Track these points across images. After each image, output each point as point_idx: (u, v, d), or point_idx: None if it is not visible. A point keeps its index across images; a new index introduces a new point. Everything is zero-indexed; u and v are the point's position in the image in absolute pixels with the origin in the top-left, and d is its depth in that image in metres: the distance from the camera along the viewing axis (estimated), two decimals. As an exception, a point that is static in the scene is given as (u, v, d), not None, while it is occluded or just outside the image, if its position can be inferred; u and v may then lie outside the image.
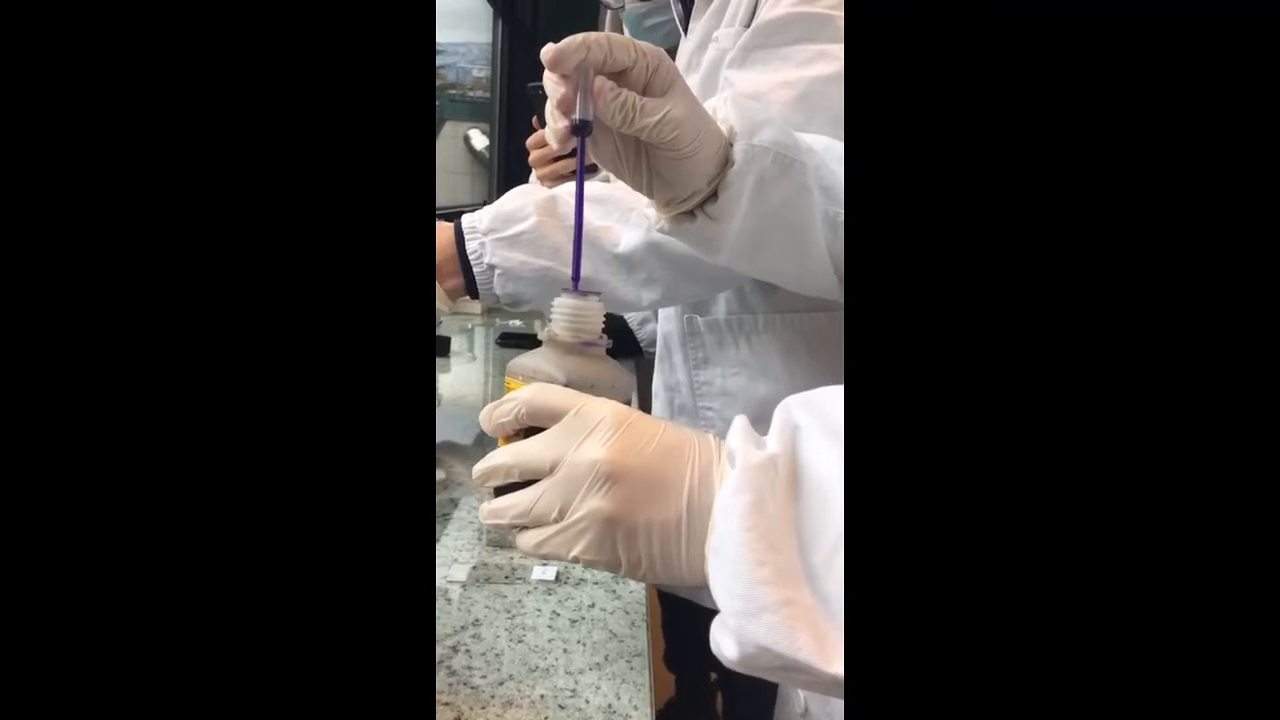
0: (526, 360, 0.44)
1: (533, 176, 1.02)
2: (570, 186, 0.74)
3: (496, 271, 0.70)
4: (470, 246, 0.70)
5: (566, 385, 0.40)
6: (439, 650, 0.50)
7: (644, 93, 0.45)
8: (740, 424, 0.36)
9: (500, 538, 0.64)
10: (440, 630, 0.52)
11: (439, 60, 3.04)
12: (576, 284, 0.46)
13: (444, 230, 0.72)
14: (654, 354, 0.95)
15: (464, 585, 0.57)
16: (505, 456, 0.38)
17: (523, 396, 0.38)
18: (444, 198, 2.64)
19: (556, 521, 0.36)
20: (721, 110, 0.51)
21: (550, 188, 0.76)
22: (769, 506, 0.32)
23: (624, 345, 1.17)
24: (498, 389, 1.08)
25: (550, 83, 0.43)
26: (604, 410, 0.37)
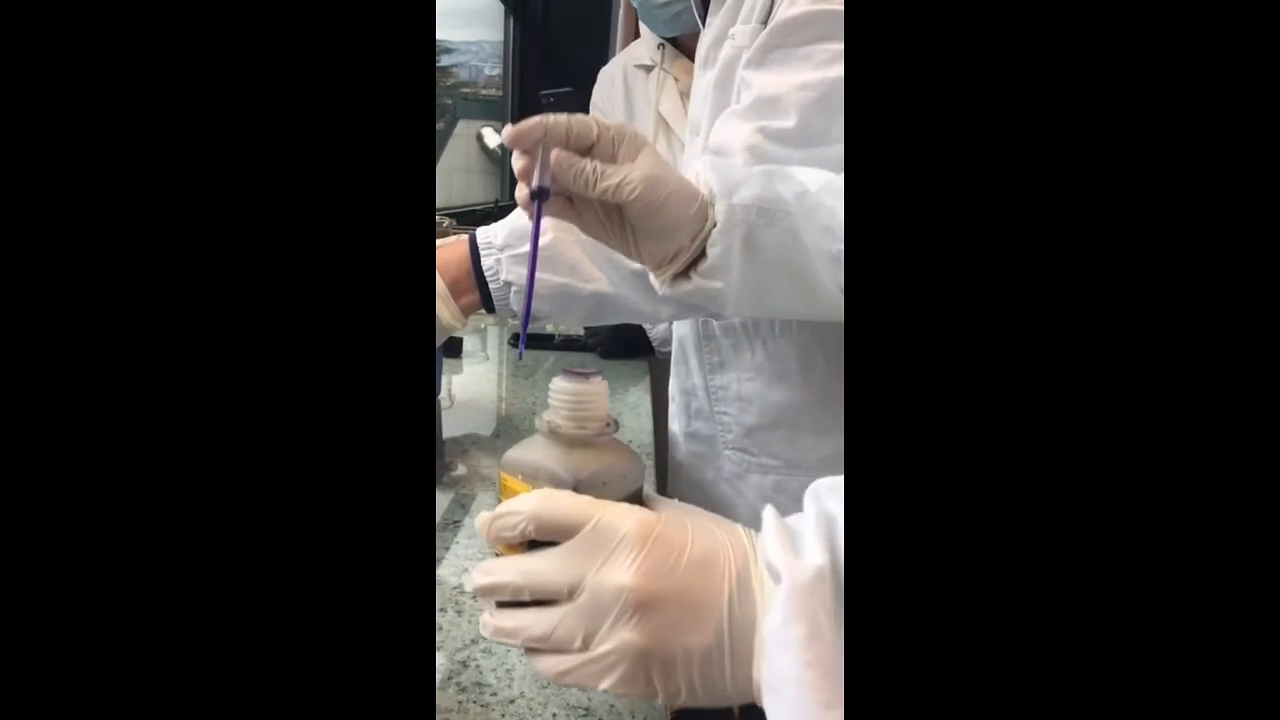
0: (524, 456, 0.40)
1: None
2: None
3: (513, 289, 0.69)
4: (486, 263, 0.69)
5: (575, 488, 0.37)
6: (448, 665, 0.48)
7: (615, 162, 0.48)
8: (772, 522, 0.33)
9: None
10: (450, 644, 0.50)
11: (451, 59, 3.04)
12: (522, 347, 0.50)
13: (459, 246, 0.70)
14: (666, 354, 0.94)
15: (474, 596, 0.56)
16: (512, 575, 0.34)
17: (528, 510, 0.34)
18: (457, 196, 2.63)
19: (581, 650, 0.32)
20: (703, 174, 0.54)
21: None
22: (825, 633, 0.29)
23: (636, 345, 1.16)
24: (510, 390, 1.07)
25: (514, 157, 0.48)
26: (625, 523, 0.33)
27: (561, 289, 0.69)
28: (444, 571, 0.58)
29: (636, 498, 0.40)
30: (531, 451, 0.40)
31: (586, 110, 0.99)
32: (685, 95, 1.19)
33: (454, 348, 1.09)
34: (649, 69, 1.21)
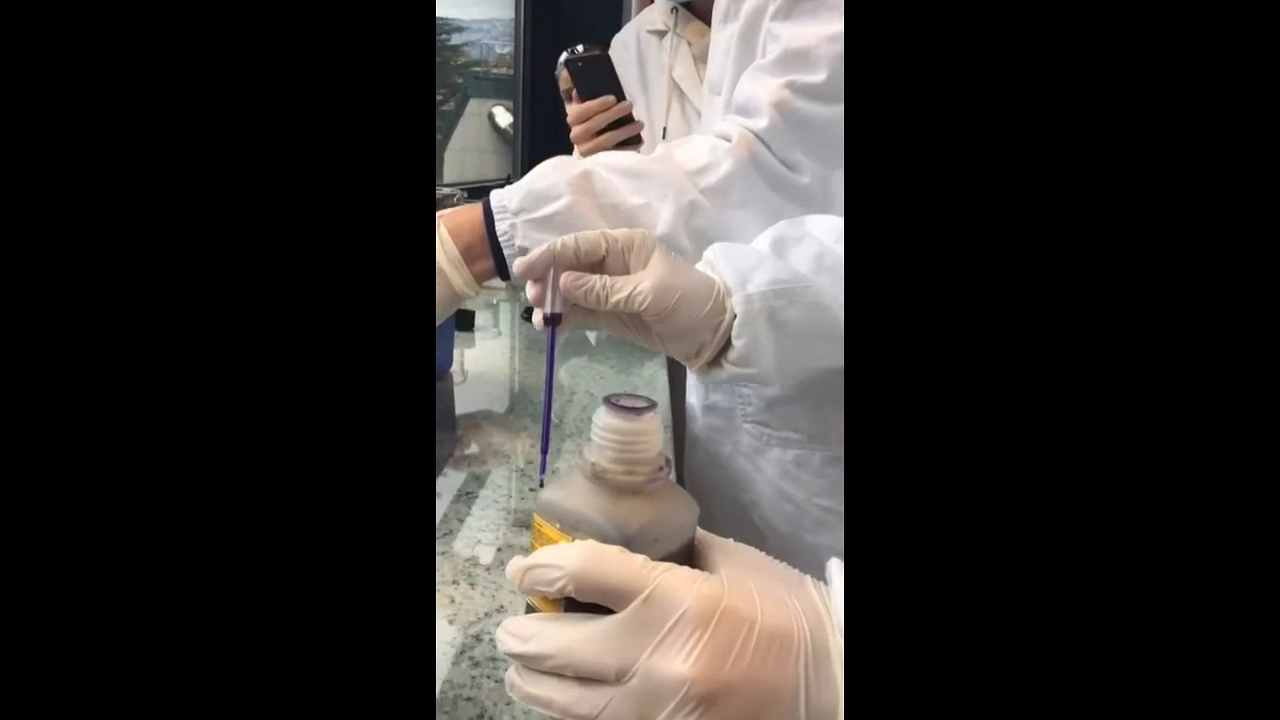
0: (564, 501, 0.35)
1: (575, 151, 0.98)
2: (605, 157, 0.70)
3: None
4: (500, 228, 0.66)
5: (624, 544, 0.32)
6: (460, 638, 0.46)
7: (627, 270, 0.50)
8: (842, 580, 0.30)
9: (526, 518, 0.60)
10: (464, 617, 0.49)
11: (462, 38, 3.00)
12: (543, 473, 0.47)
13: (472, 210, 0.68)
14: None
15: (489, 568, 0.54)
16: (551, 648, 0.29)
17: (570, 567, 0.30)
18: (470, 176, 2.60)
19: None
20: (715, 264, 0.54)
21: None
22: None
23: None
24: (524, 365, 1.05)
25: (527, 286, 0.50)
26: (683, 596, 0.28)
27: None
28: (458, 545, 0.56)
29: (690, 546, 0.36)
30: (572, 496, 0.35)
31: (613, 72, 0.96)
32: (699, 59, 1.15)
33: (466, 321, 1.06)
34: (662, 34, 1.18)
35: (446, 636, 0.47)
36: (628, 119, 0.96)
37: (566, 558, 0.30)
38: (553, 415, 0.80)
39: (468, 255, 0.65)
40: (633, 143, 0.96)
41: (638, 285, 0.49)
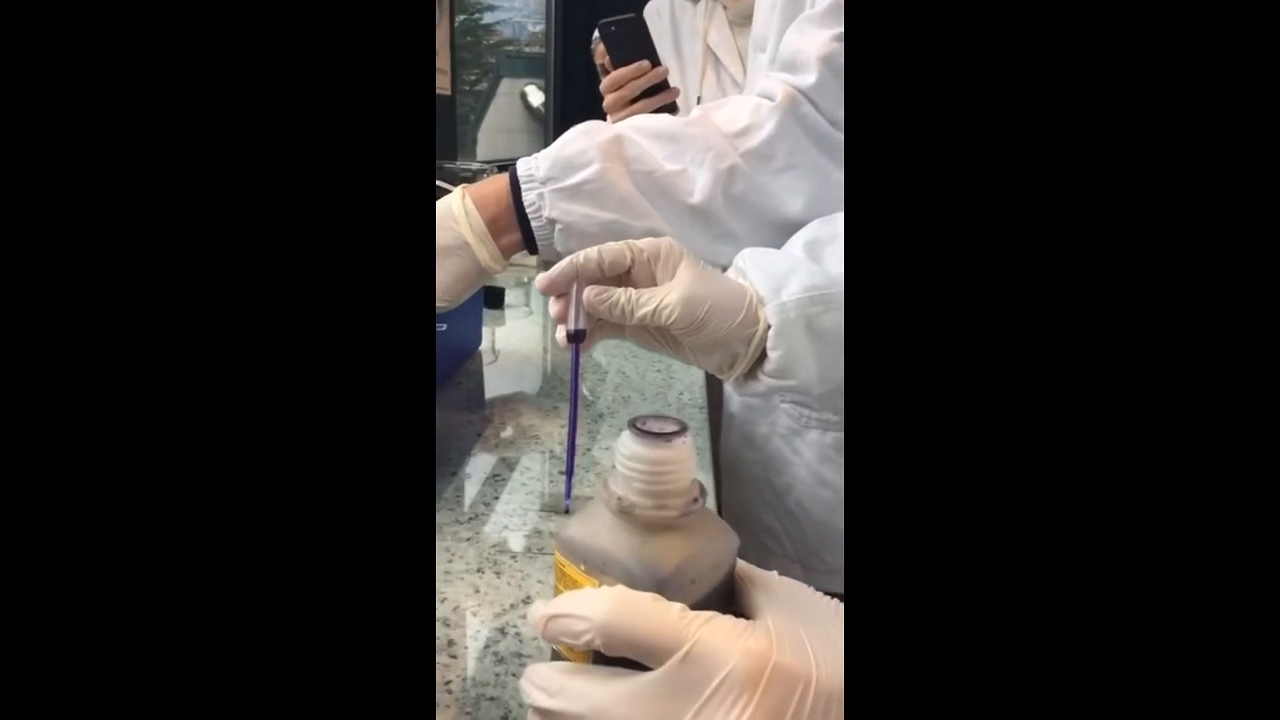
0: (588, 539, 0.32)
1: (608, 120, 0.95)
2: (638, 121, 0.66)
3: (557, 227, 0.63)
4: (528, 198, 0.63)
5: (657, 589, 0.29)
6: (485, 632, 0.44)
7: (654, 281, 0.48)
8: None
9: (557, 504, 0.57)
10: (489, 608, 0.46)
11: (494, 16, 2.96)
12: (569, 496, 0.49)
13: (498, 180, 0.64)
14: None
15: (516, 556, 0.51)
16: (580, 706, 0.27)
17: (597, 620, 0.27)
18: (500, 155, 2.57)
19: None
20: (747, 271, 0.52)
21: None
22: None
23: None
24: (556, 343, 1.02)
25: (550, 303, 0.49)
26: (727, 655, 0.26)
27: (609, 227, 0.63)
28: (486, 531, 0.54)
29: (729, 582, 0.33)
30: (597, 534, 0.31)
31: (647, 36, 0.92)
32: (734, 24, 1.10)
33: (496, 299, 1.04)
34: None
35: (471, 630, 0.44)
36: (663, 85, 0.92)
37: (593, 607, 0.27)
38: (586, 394, 0.77)
39: (494, 228, 0.62)
40: (668, 110, 0.92)
41: (664, 298, 0.47)
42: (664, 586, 0.30)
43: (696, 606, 0.31)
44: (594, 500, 0.33)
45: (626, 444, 0.32)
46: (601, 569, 0.31)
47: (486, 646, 0.42)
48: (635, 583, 0.30)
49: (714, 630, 0.27)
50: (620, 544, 0.31)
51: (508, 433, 0.72)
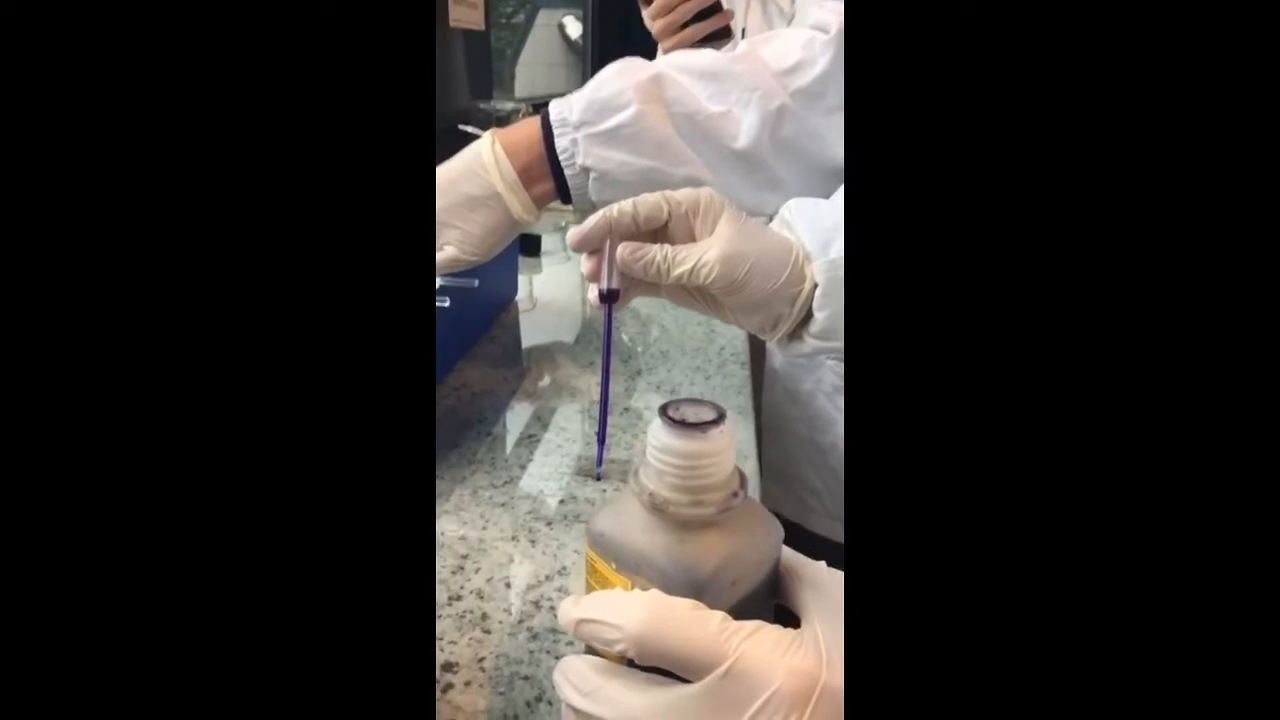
0: (620, 536, 0.29)
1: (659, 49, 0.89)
2: (679, 58, 0.61)
3: (591, 175, 0.59)
4: (560, 144, 0.59)
5: (695, 592, 0.27)
6: (519, 605, 0.43)
7: (692, 236, 0.45)
8: None
9: (592, 467, 0.56)
10: (523, 579, 0.45)
11: (533, -58, 2.86)
12: (600, 464, 0.46)
13: (528, 125, 0.61)
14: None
15: (551, 523, 0.50)
16: (613, 714, 0.26)
17: (631, 630, 0.25)
18: (538, 89, 2.51)
19: None
20: (793, 223, 0.49)
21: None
22: None
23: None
24: (580, 293, 1.00)
25: (582, 260, 0.46)
26: (773, 672, 0.24)
27: (648, 175, 0.59)
28: (519, 496, 0.52)
29: (773, 578, 0.31)
30: (629, 530, 0.29)
31: None
32: (786, -50, 1.03)
33: (532, 246, 1.01)
34: (745, -76, 1.06)
35: (504, 603, 0.43)
36: (715, 8, 0.86)
37: (626, 615, 0.25)
38: (626, 340, 0.75)
39: (526, 176, 0.59)
40: (721, 36, 0.86)
41: (703, 255, 0.43)
42: (702, 590, 0.28)
43: (738, 607, 0.29)
44: (625, 491, 0.31)
45: (657, 435, 0.29)
46: (634, 569, 0.29)
47: (520, 621, 0.41)
48: (670, 585, 0.28)
49: (758, 645, 0.25)
50: (654, 543, 0.29)
51: (545, 382, 0.70)
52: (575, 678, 0.27)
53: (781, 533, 0.32)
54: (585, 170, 0.60)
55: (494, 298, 0.81)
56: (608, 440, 0.58)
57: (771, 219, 0.58)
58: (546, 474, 0.55)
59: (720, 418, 0.30)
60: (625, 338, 0.81)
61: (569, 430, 0.61)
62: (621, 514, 0.30)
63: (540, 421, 0.62)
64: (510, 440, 0.59)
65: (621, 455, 0.57)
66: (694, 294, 0.48)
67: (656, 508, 0.29)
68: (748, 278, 0.44)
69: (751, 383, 0.73)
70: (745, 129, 0.59)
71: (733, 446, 0.30)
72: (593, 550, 0.31)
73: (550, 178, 0.60)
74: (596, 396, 0.66)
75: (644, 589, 0.29)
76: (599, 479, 0.54)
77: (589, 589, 0.32)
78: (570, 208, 1.01)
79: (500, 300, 0.84)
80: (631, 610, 0.26)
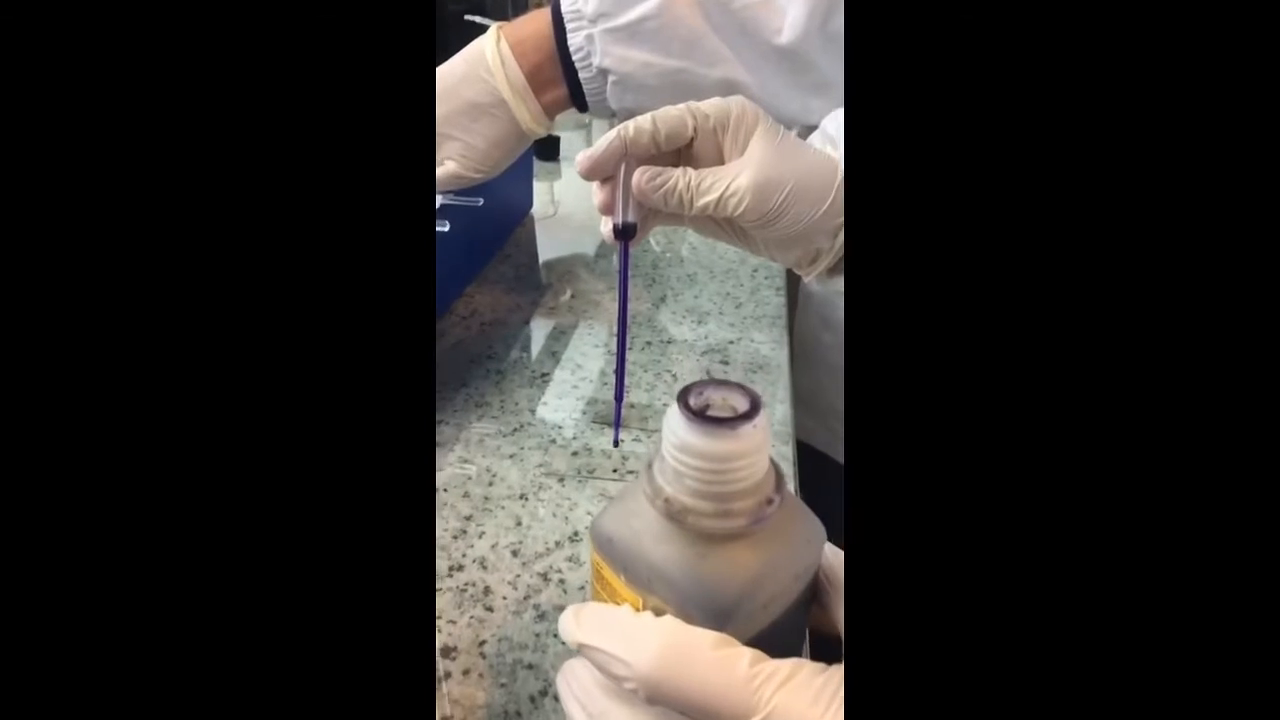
0: (632, 543, 0.25)
1: None
2: None
3: (610, 79, 0.52)
4: (574, 42, 0.51)
5: (719, 620, 0.23)
6: (527, 578, 0.39)
7: (720, 157, 0.39)
8: None
9: (608, 414, 0.51)
10: (531, 546, 0.41)
11: None
12: (618, 428, 0.40)
13: (537, 18, 0.52)
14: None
15: (562, 479, 0.45)
16: None
17: (642, 670, 0.22)
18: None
19: None
20: (840, 140, 0.43)
21: None
22: None
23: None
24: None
25: (594, 190, 0.40)
26: None
27: (675, 77, 0.52)
28: (531, 442, 0.48)
29: (812, 587, 0.27)
30: (639, 537, 0.25)
31: None
32: None
33: (550, 149, 0.93)
34: None
35: (509, 575, 0.39)
36: None
37: (638, 649, 0.22)
38: (655, 247, 0.69)
39: (535, 80, 0.51)
40: None
41: (733, 182, 0.37)
42: (728, 616, 0.24)
43: (769, 631, 0.25)
44: (635, 487, 0.26)
45: (676, 429, 0.24)
46: (646, 584, 0.25)
47: (526, 598, 0.38)
48: (689, 608, 0.24)
49: (795, 696, 0.21)
50: (670, 557, 0.24)
51: (566, 297, 0.65)
52: (581, 693, 0.24)
53: (824, 535, 0.27)
54: (603, 72, 0.52)
55: (506, 213, 0.75)
56: (626, 384, 0.54)
57: (814, 130, 0.51)
58: (560, 419, 0.51)
59: (753, 408, 0.24)
60: (654, 248, 0.75)
61: (585, 368, 0.56)
62: (633, 516, 0.26)
63: (554, 357, 0.57)
64: (521, 380, 0.55)
65: (641, 399, 0.52)
66: (722, 225, 0.42)
67: (674, 517, 0.24)
68: (783, 207, 0.38)
69: (786, 303, 0.68)
70: (790, 20, 0.50)
71: (768, 441, 0.25)
72: (599, 555, 0.27)
73: (563, 82, 0.52)
74: (611, 319, 0.61)
75: (658, 610, 0.25)
76: (616, 445, 0.49)
77: (595, 594, 0.28)
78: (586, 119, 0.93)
79: (514, 215, 0.77)
80: (644, 642, 0.22)
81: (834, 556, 0.27)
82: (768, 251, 0.42)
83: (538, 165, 0.92)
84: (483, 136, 0.52)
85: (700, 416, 0.24)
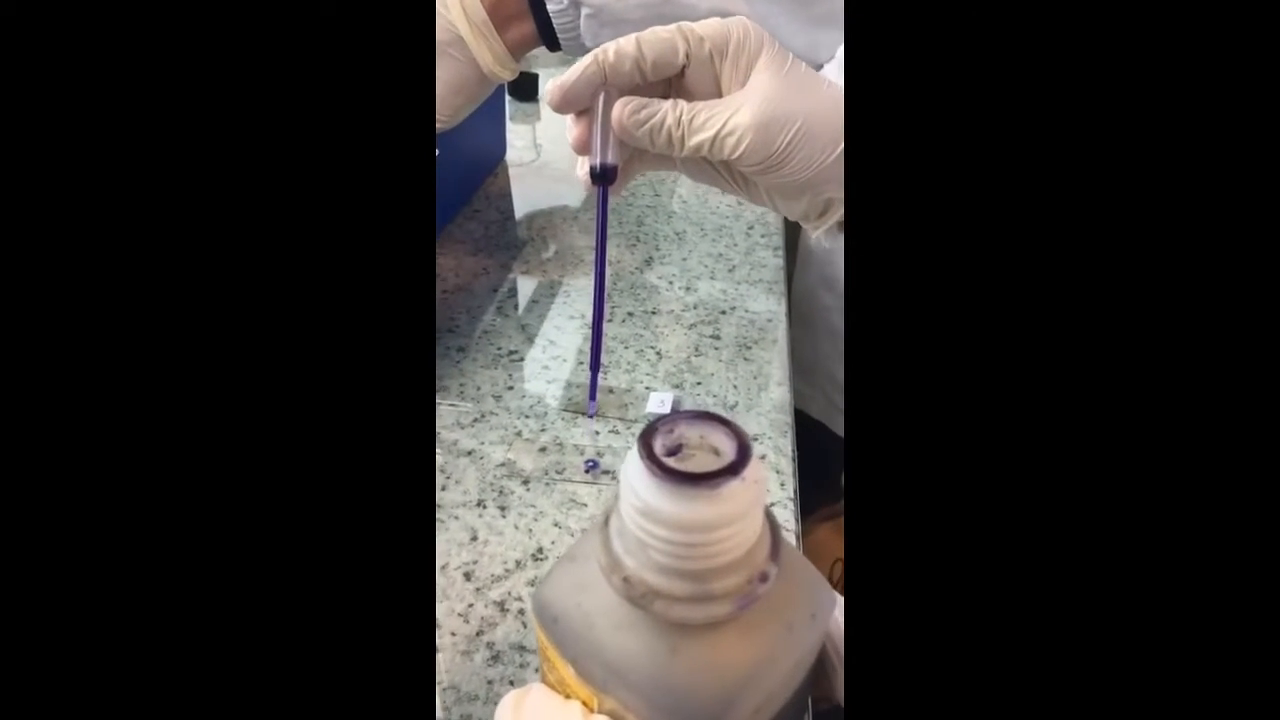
0: (581, 625, 0.20)
1: None
2: None
3: (583, 12, 0.45)
4: None
5: None
6: (481, 609, 0.34)
7: (718, 88, 0.33)
8: None
9: (582, 402, 0.45)
10: (483, 570, 0.36)
11: None
12: (593, 398, 0.36)
13: None
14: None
15: (526, 482, 0.40)
16: None
17: None
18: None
19: None
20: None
21: None
22: None
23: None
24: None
25: (568, 125, 0.35)
26: None
27: (660, 9, 0.45)
28: (500, 422, 0.43)
29: (814, 670, 0.22)
30: (593, 621, 0.20)
31: None
32: None
33: (527, 88, 0.85)
34: None
35: (459, 604, 0.34)
36: None
37: None
38: (627, 232, 0.62)
39: (498, 15, 0.44)
40: None
41: (731, 118, 0.32)
42: None
43: None
44: (588, 545, 0.21)
45: (638, 486, 0.19)
46: (601, 685, 0.20)
47: (479, 633, 0.33)
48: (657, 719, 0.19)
49: None
50: (632, 652, 0.19)
51: (549, 253, 0.59)
52: None
53: (833, 600, 0.22)
54: (575, 3, 0.45)
55: (471, 164, 0.67)
56: (603, 361, 0.48)
57: (824, 68, 0.45)
58: (527, 408, 0.45)
59: (742, 455, 0.19)
60: (640, 200, 0.68)
61: (560, 345, 0.50)
62: (583, 590, 0.21)
63: (525, 333, 0.51)
64: (484, 358, 0.49)
65: (620, 381, 0.47)
66: (719, 169, 0.37)
67: (636, 601, 0.19)
68: (789, 150, 0.32)
69: (785, 258, 0.61)
70: None
71: (762, 496, 0.19)
72: (542, 632, 0.21)
73: (529, 16, 0.45)
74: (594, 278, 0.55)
75: (615, 716, 0.20)
76: (591, 416, 0.44)
77: (543, 674, 0.23)
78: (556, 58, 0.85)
79: (482, 166, 0.70)
80: None
81: (839, 634, 0.22)
82: (770, 201, 0.37)
83: (513, 106, 0.84)
84: (439, 80, 0.45)
85: (670, 472, 0.18)
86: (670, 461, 0.19)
